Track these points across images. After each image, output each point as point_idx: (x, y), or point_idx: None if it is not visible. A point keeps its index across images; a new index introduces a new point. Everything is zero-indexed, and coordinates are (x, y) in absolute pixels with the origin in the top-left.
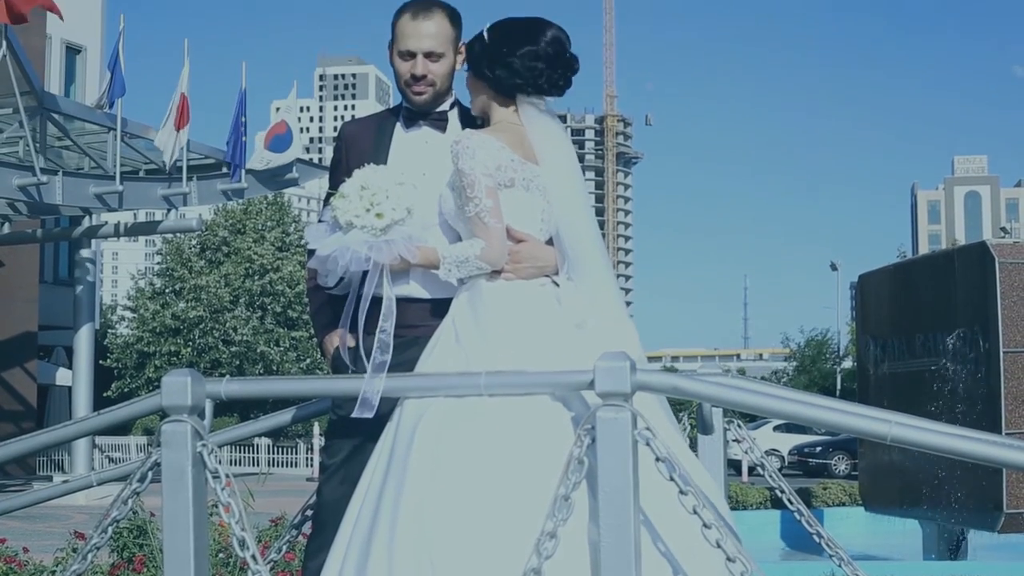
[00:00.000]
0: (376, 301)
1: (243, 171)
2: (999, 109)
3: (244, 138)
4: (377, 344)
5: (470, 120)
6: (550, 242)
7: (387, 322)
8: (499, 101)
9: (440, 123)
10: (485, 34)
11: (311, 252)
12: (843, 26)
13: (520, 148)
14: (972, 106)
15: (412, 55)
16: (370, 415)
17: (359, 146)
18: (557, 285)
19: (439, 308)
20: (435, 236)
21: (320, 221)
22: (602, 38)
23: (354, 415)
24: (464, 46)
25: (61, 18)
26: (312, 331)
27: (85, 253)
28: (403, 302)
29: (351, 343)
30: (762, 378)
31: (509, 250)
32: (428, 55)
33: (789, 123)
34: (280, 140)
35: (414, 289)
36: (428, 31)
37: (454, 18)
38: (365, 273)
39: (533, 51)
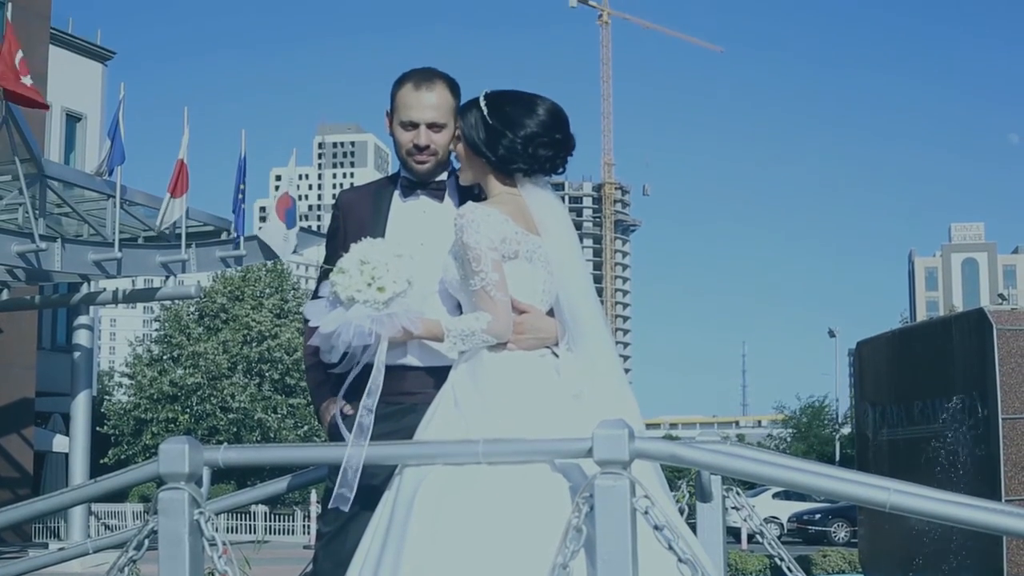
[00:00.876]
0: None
1: (242, 238)
2: (995, 176)
3: (243, 205)
4: (358, 420)
5: (467, 189)
6: (550, 312)
7: (371, 398)
8: (496, 177)
9: (438, 193)
10: (483, 107)
11: (308, 326)
12: (838, 93)
13: (522, 219)
14: (968, 173)
15: (415, 125)
16: (348, 497)
17: (357, 215)
18: (556, 356)
19: (436, 375)
20: (434, 305)
21: (317, 296)
22: (599, 106)
23: (330, 504)
24: (458, 113)
25: (46, 107)
26: (309, 398)
27: (83, 320)
28: (400, 369)
29: (349, 411)
30: (759, 444)
31: (513, 321)
32: (431, 125)
33: (786, 190)
34: (290, 214)
35: (411, 357)
36: (430, 102)
37: (454, 88)
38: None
39: (536, 135)
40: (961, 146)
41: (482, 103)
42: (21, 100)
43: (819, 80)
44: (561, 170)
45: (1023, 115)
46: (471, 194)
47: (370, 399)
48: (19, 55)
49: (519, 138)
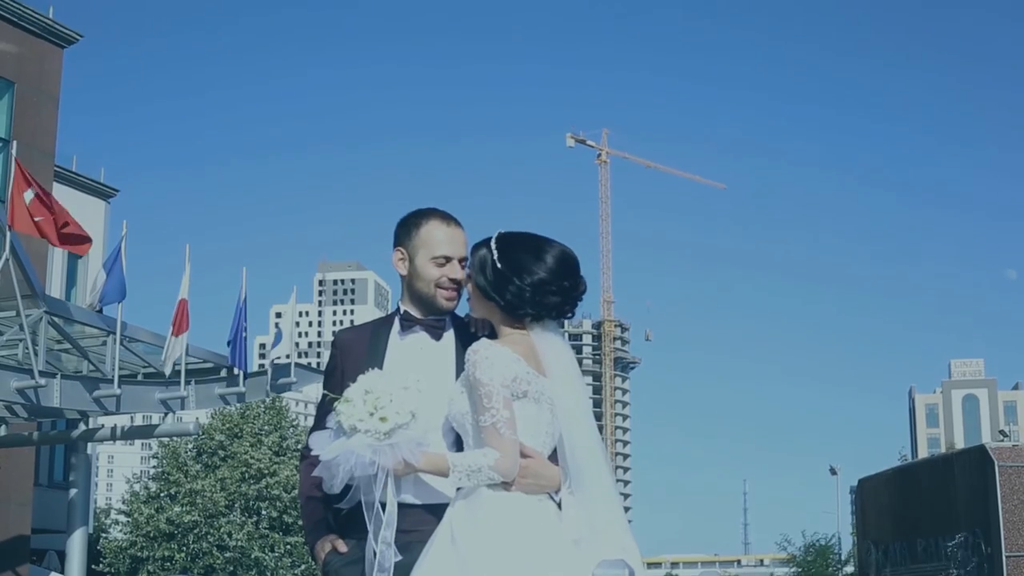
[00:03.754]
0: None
1: (242, 375)
2: (994, 312)
3: (246, 343)
4: (378, 560)
5: (465, 327)
6: (552, 455)
7: (388, 530)
8: (504, 319)
9: (437, 331)
10: (494, 249)
11: (304, 459)
12: (839, 231)
13: (533, 360)
14: (967, 309)
15: (448, 259)
16: None
17: (354, 354)
18: (555, 502)
19: (433, 513)
20: (434, 439)
21: (324, 428)
22: (599, 244)
23: None
24: (470, 251)
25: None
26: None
27: (81, 456)
28: (398, 507)
29: (343, 549)
30: None
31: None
32: (461, 260)
33: (786, 329)
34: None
35: (407, 495)
36: (461, 237)
37: None
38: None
39: (544, 283)
40: (959, 282)
41: (493, 246)
42: (69, 240)
43: (820, 218)
44: (570, 315)
45: (1020, 250)
46: (470, 333)
47: (388, 532)
48: (31, 194)
49: (527, 286)
